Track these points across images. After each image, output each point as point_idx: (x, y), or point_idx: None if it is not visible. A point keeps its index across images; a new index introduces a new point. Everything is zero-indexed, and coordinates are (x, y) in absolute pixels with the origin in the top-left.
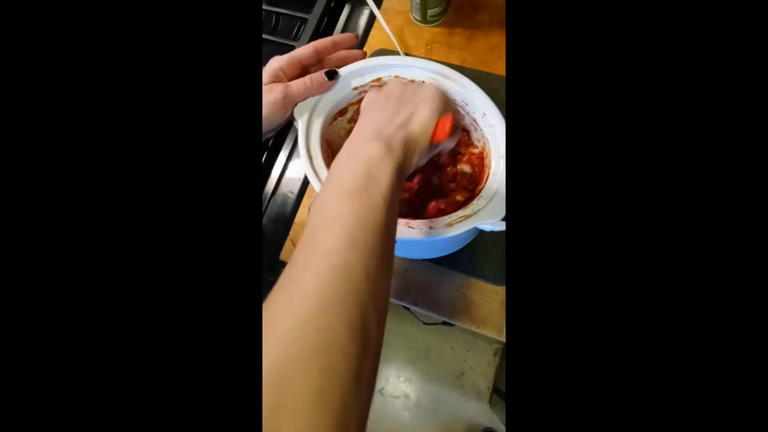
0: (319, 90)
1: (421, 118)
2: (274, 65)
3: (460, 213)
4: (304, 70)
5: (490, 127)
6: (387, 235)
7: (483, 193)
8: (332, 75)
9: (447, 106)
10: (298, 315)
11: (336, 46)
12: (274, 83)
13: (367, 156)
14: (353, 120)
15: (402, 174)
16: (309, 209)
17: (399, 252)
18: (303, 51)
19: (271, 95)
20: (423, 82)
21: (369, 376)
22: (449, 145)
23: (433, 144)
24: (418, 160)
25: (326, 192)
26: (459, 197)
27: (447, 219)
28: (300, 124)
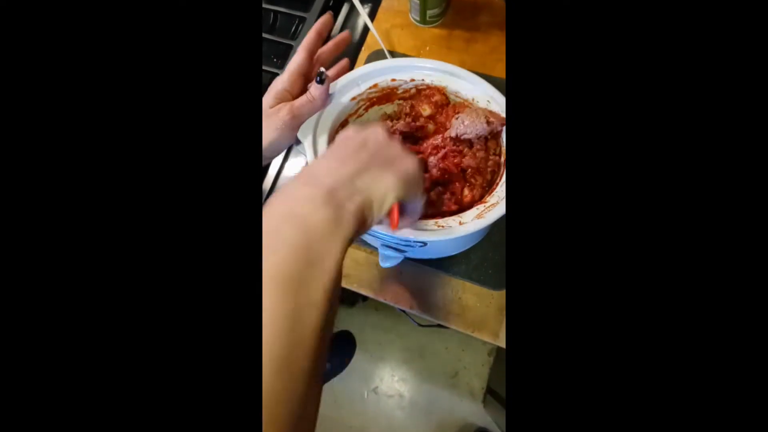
0: (321, 98)
1: (384, 189)
2: (277, 87)
3: (488, 202)
4: (306, 81)
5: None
6: (320, 342)
7: (505, 179)
8: (321, 77)
9: (420, 186)
10: None
11: (321, 35)
12: (279, 105)
13: (312, 225)
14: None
15: (348, 244)
16: None
17: (417, 254)
18: (298, 60)
19: (279, 119)
20: (404, 150)
21: None
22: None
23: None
24: (363, 233)
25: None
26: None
27: (475, 211)
28: (306, 144)
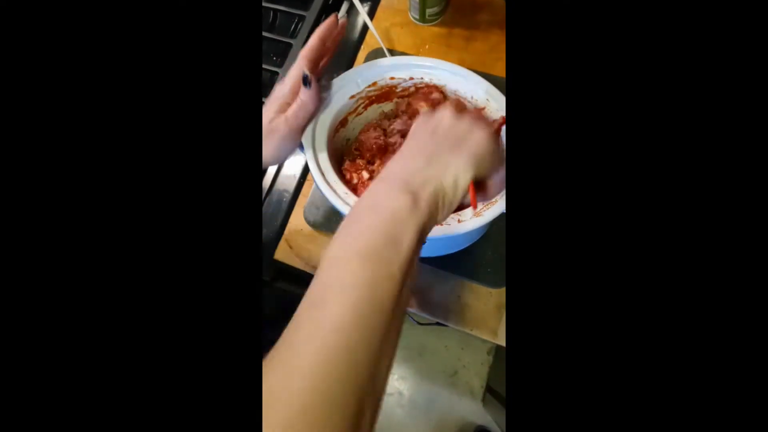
0: (313, 102)
1: (455, 173)
2: (279, 100)
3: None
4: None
5: (497, 112)
6: (398, 311)
7: None
8: (306, 81)
9: (495, 158)
10: (295, 399)
11: (325, 42)
12: (277, 118)
13: (391, 210)
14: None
15: (424, 233)
16: (322, 255)
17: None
18: (299, 69)
19: (277, 134)
20: (482, 111)
21: None
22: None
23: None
24: (443, 219)
25: (340, 246)
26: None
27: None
28: (305, 143)
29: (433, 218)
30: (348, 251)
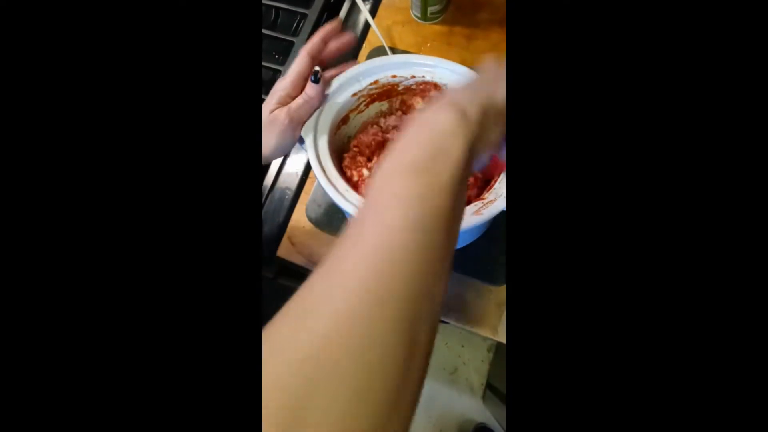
0: (317, 98)
1: (502, 97)
2: (279, 92)
3: (486, 199)
4: (307, 82)
5: None
6: (451, 221)
7: (503, 176)
8: (316, 76)
9: (498, 148)
10: (338, 302)
11: (326, 42)
12: (278, 109)
13: (439, 124)
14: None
15: (474, 152)
16: (367, 186)
17: None
18: (300, 64)
19: (278, 124)
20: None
21: (413, 390)
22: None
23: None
24: (495, 141)
25: (387, 165)
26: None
27: (473, 207)
28: (307, 142)
29: (484, 135)
30: (396, 165)
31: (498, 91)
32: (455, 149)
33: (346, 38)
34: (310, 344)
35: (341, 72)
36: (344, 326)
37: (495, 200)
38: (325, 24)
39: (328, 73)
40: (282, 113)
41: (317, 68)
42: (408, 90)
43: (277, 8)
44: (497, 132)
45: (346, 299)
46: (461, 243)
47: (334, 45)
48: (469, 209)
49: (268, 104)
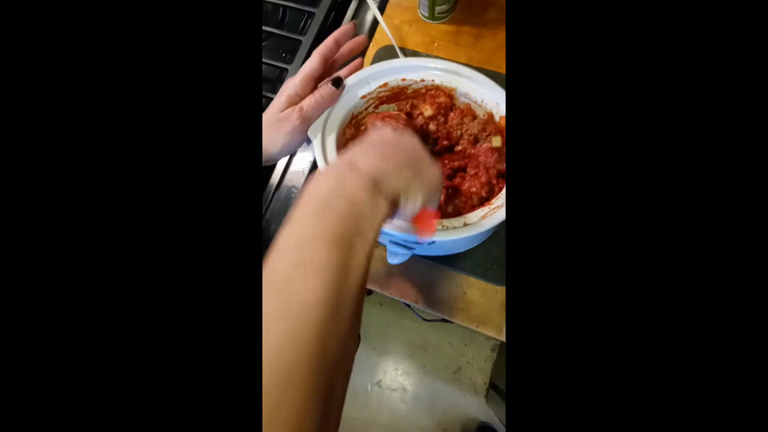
0: (331, 101)
1: (416, 191)
2: (289, 91)
3: (492, 204)
4: (317, 83)
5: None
6: (360, 297)
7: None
8: (338, 83)
9: (437, 195)
10: (266, 377)
11: (339, 44)
12: (288, 109)
13: (360, 202)
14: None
15: (380, 228)
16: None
17: (425, 251)
18: (311, 64)
19: (289, 123)
20: (432, 161)
21: None
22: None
23: (411, 229)
24: (389, 224)
25: (312, 225)
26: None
27: (480, 212)
28: (315, 142)
29: (387, 217)
30: (321, 233)
31: (409, 189)
32: (371, 230)
33: (359, 41)
34: None
35: (350, 73)
36: (271, 402)
37: (502, 206)
38: (340, 27)
39: (341, 74)
40: (294, 112)
41: (341, 76)
42: (417, 93)
43: (285, 7)
44: (398, 214)
45: (274, 375)
46: (468, 246)
47: (346, 48)
48: (477, 214)
49: (277, 103)
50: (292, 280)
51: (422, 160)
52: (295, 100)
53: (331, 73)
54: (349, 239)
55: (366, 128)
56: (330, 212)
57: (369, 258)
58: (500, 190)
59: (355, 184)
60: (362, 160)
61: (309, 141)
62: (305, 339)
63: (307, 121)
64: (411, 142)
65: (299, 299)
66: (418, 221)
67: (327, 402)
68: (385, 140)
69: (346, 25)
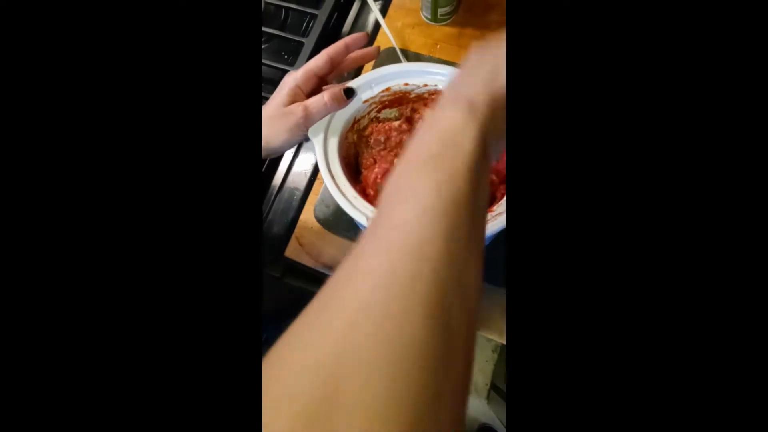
0: (338, 107)
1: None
2: (290, 84)
3: (495, 211)
4: (320, 81)
5: None
6: (471, 206)
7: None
8: (350, 93)
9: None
10: (362, 291)
11: (348, 49)
12: (293, 104)
13: (447, 121)
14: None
15: (488, 142)
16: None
17: None
18: (317, 62)
19: (292, 119)
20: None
21: (456, 381)
22: None
23: None
24: (500, 133)
25: (399, 167)
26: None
27: None
28: (316, 143)
29: (497, 124)
30: (406, 165)
31: (499, 78)
32: (467, 142)
33: (369, 52)
34: (337, 332)
35: (359, 59)
36: (370, 313)
37: (502, 213)
38: (353, 34)
39: (352, 83)
40: (299, 109)
41: (353, 86)
42: (419, 98)
43: (287, 8)
44: (500, 125)
45: (370, 288)
46: None
47: (355, 55)
48: None
49: (280, 97)
50: (383, 211)
51: (493, 49)
52: (297, 93)
53: (336, 75)
54: (438, 155)
55: (371, 133)
56: (416, 145)
57: (471, 166)
58: (502, 196)
59: (438, 112)
60: (444, 92)
61: (308, 138)
62: (397, 259)
63: (309, 121)
64: (475, 49)
65: (392, 223)
66: None
67: (444, 340)
68: (461, 67)
69: (359, 33)
